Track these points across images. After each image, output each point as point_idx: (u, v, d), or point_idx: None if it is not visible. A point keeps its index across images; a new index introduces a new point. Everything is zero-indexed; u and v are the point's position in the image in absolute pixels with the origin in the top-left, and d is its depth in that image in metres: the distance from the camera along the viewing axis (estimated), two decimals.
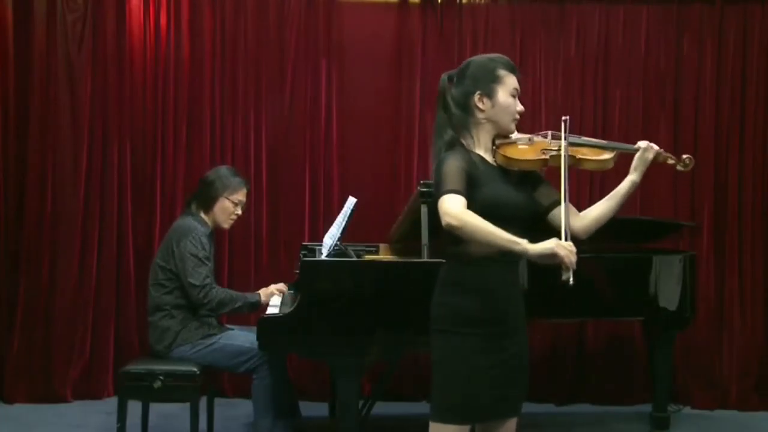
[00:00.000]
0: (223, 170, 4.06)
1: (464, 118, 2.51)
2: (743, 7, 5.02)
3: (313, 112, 5.03)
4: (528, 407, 5.06)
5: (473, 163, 2.44)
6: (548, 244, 2.32)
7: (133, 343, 4.90)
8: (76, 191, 4.88)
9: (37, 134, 4.87)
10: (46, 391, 4.83)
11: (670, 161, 2.68)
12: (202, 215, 3.96)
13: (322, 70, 5.03)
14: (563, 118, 2.57)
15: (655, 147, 2.60)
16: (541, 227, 2.54)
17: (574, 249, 2.33)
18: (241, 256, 4.98)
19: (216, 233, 4.18)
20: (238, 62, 5.00)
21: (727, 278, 5.05)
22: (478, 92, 2.49)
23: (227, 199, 3.95)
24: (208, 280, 3.77)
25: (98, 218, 4.91)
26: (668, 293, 4.09)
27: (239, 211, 4.03)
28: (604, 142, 2.67)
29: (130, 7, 4.93)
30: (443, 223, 2.32)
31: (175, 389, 3.66)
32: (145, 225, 4.95)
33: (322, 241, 4.14)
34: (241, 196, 4.00)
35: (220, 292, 3.80)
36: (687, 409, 4.92)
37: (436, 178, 2.42)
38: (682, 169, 2.74)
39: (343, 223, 3.85)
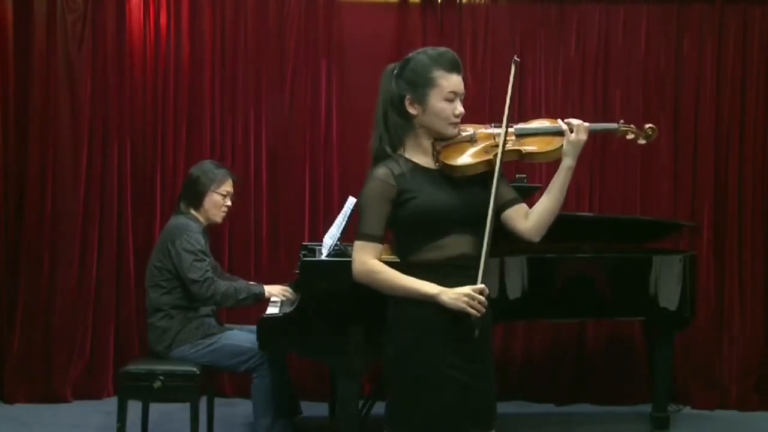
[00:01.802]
0: (206, 164, 4.05)
1: (400, 122, 2.43)
2: (743, 7, 5.02)
3: (313, 112, 5.03)
4: (528, 407, 5.10)
5: (399, 177, 2.38)
6: (458, 302, 2.29)
7: (133, 343, 4.90)
8: (76, 191, 4.88)
9: (37, 134, 4.87)
10: (46, 391, 4.83)
11: (630, 135, 2.52)
12: (193, 213, 3.94)
13: (322, 70, 5.03)
14: (515, 58, 2.41)
15: (586, 125, 2.41)
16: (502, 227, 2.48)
17: (483, 297, 2.29)
18: (241, 256, 4.98)
19: (214, 231, 4.17)
20: (238, 62, 5.00)
21: (727, 278, 5.04)
22: (409, 96, 2.39)
23: (215, 192, 3.94)
24: (208, 274, 3.77)
25: (98, 218, 4.91)
26: (668, 293, 4.09)
27: (229, 203, 4.01)
28: (550, 126, 2.46)
29: (130, 7, 4.93)
30: (352, 272, 2.42)
31: (175, 389, 3.65)
32: (145, 225, 4.95)
33: (322, 241, 4.14)
34: (228, 187, 3.98)
35: (222, 285, 3.79)
36: (687, 409, 4.92)
37: (360, 196, 2.45)
38: (644, 141, 2.54)
39: (343, 223, 3.85)
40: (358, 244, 2.41)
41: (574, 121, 2.42)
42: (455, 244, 2.38)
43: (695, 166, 5.05)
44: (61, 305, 4.87)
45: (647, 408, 4.52)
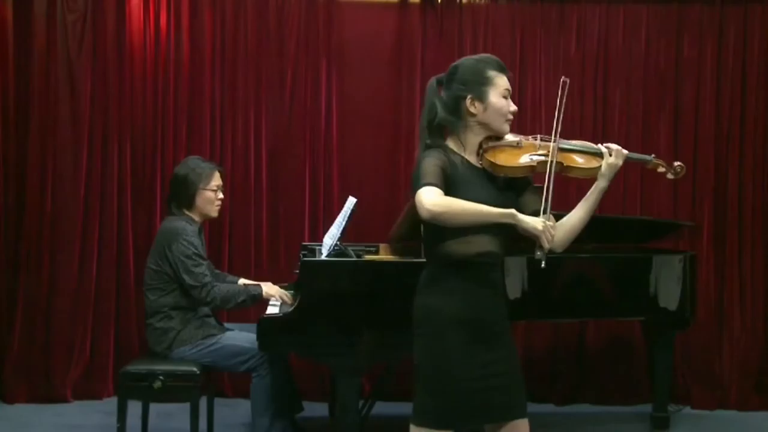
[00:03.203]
0: (191, 162, 3.97)
1: (453, 121, 2.52)
2: (743, 7, 5.02)
3: (313, 112, 5.03)
4: (528, 407, 5.07)
5: (452, 165, 2.46)
6: (536, 224, 2.38)
7: (133, 343, 4.89)
8: (76, 191, 4.88)
9: (37, 134, 4.87)
10: (46, 391, 4.83)
11: (661, 169, 2.68)
12: (186, 212, 3.90)
13: (322, 70, 5.03)
14: (563, 79, 2.58)
15: (624, 152, 2.56)
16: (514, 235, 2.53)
17: (554, 232, 2.40)
18: (241, 256, 4.98)
19: (214, 231, 4.16)
20: (238, 62, 5.00)
21: (727, 278, 5.04)
22: (470, 96, 2.49)
23: (205, 189, 3.88)
24: (207, 279, 3.76)
25: (98, 218, 4.91)
26: (668, 293, 4.09)
27: (221, 196, 3.97)
28: (592, 146, 2.62)
29: (130, 7, 4.93)
30: (424, 214, 2.34)
31: (175, 389, 3.65)
32: (145, 225, 4.94)
33: (322, 241, 4.14)
34: (217, 180, 3.93)
35: (222, 289, 3.78)
36: (687, 409, 4.92)
37: (413, 178, 2.44)
38: (672, 177, 2.73)
39: (343, 223, 3.85)
40: (424, 189, 2.36)
41: (614, 146, 2.56)
42: (484, 242, 2.46)
43: (695, 166, 5.04)
44: (61, 305, 4.87)
45: (647, 408, 4.52)
